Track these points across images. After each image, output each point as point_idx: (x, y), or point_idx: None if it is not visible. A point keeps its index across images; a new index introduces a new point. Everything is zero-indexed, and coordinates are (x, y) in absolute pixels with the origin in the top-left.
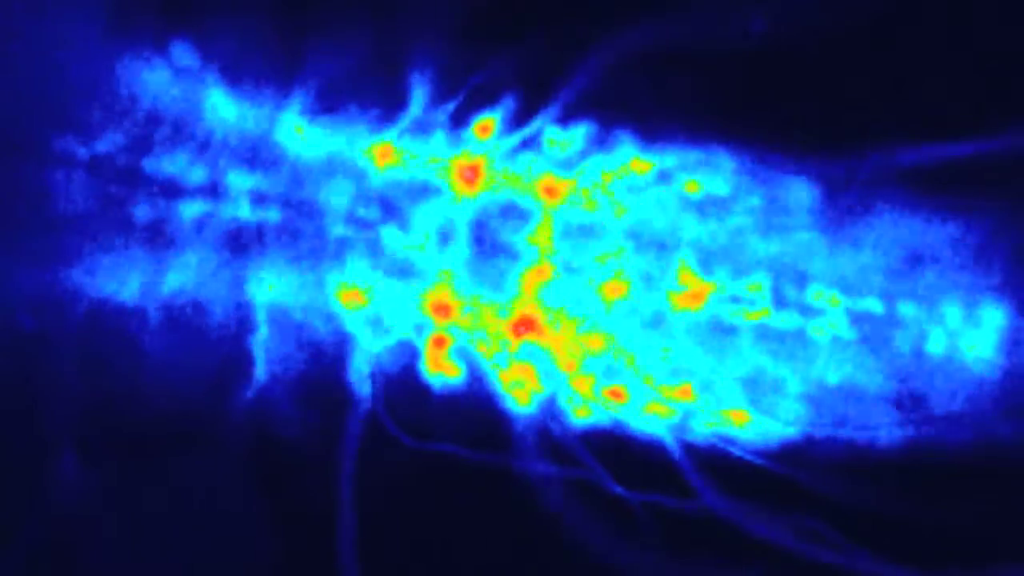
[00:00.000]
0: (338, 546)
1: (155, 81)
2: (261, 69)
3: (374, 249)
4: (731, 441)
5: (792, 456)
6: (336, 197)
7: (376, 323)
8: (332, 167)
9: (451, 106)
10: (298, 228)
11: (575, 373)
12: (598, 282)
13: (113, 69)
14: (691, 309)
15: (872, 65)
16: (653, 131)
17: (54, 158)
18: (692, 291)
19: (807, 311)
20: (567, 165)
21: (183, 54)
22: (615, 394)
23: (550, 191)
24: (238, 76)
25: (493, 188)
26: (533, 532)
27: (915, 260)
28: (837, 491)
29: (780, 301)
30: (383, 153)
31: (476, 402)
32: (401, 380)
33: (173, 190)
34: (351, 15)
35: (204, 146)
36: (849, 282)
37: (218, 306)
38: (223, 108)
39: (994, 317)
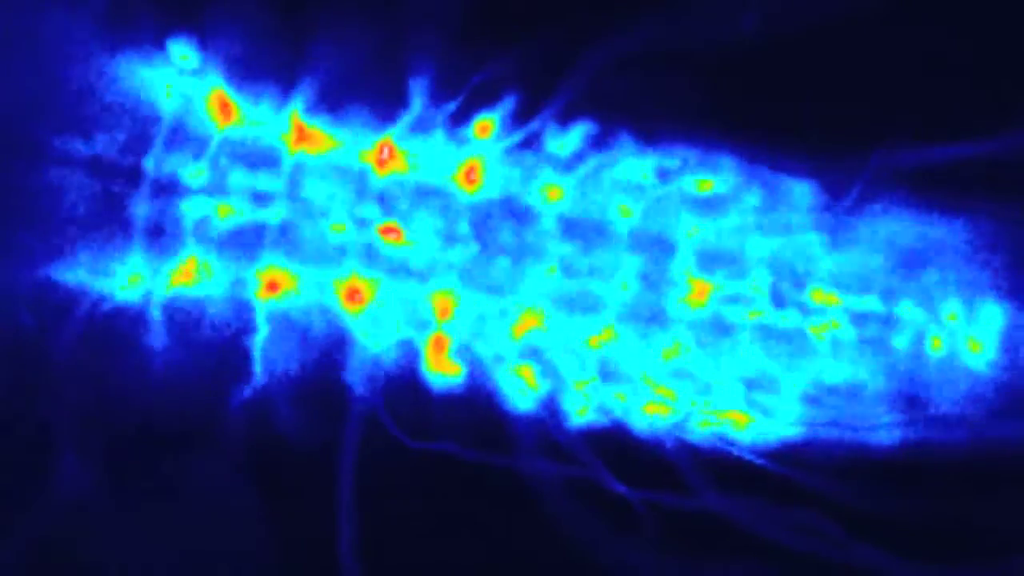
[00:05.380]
0: (338, 545)
1: (155, 80)
2: (262, 68)
3: (374, 248)
4: (731, 441)
5: (792, 456)
6: (336, 196)
7: (376, 323)
8: (333, 166)
9: (451, 106)
10: (298, 227)
11: (576, 373)
12: (598, 282)
13: (113, 68)
14: (691, 309)
15: (872, 65)
16: (653, 131)
17: (54, 158)
18: (692, 291)
19: (807, 311)
20: (567, 165)
21: (184, 53)
22: (615, 394)
23: (551, 191)
24: (239, 75)
25: (494, 188)
26: (534, 531)
27: (915, 260)
28: (836, 490)
29: (780, 301)
30: (384, 152)
31: (477, 402)
32: (401, 380)
33: (173, 189)
34: (352, 15)
35: (204, 145)
36: (849, 282)
37: (218, 306)
38: (224, 107)
39: (994, 317)
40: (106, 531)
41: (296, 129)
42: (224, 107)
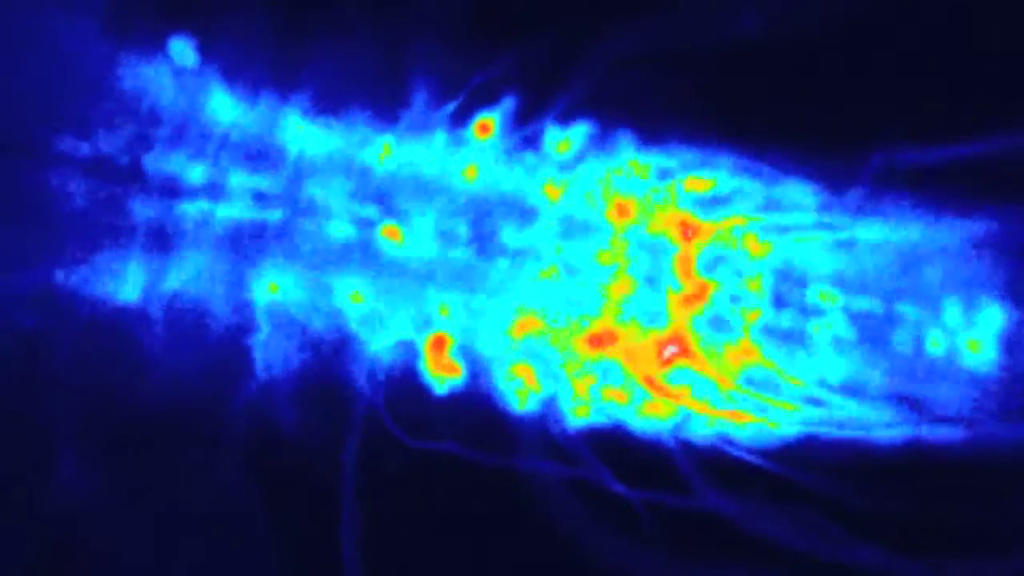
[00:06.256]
0: (340, 544)
1: (155, 80)
2: (262, 69)
3: (374, 248)
4: (731, 441)
5: (792, 456)
6: (336, 196)
7: (376, 323)
8: (333, 166)
9: (451, 106)
10: (298, 228)
11: (575, 373)
12: (598, 282)
13: (114, 69)
14: (691, 309)
15: (872, 65)
16: (653, 131)
17: (54, 158)
18: (692, 291)
19: (807, 311)
20: (567, 165)
21: (184, 53)
22: (615, 394)
23: (551, 191)
24: (239, 75)
25: (494, 188)
26: (534, 531)
27: (915, 260)
28: (836, 490)
29: (780, 301)
30: (384, 152)
31: (476, 402)
32: (401, 380)
33: (173, 190)
34: (352, 16)
35: (204, 145)
36: (849, 282)
37: (218, 305)
38: (224, 107)
39: (994, 317)
40: (106, 531)
41: (296, 129)
42: (225, 106)
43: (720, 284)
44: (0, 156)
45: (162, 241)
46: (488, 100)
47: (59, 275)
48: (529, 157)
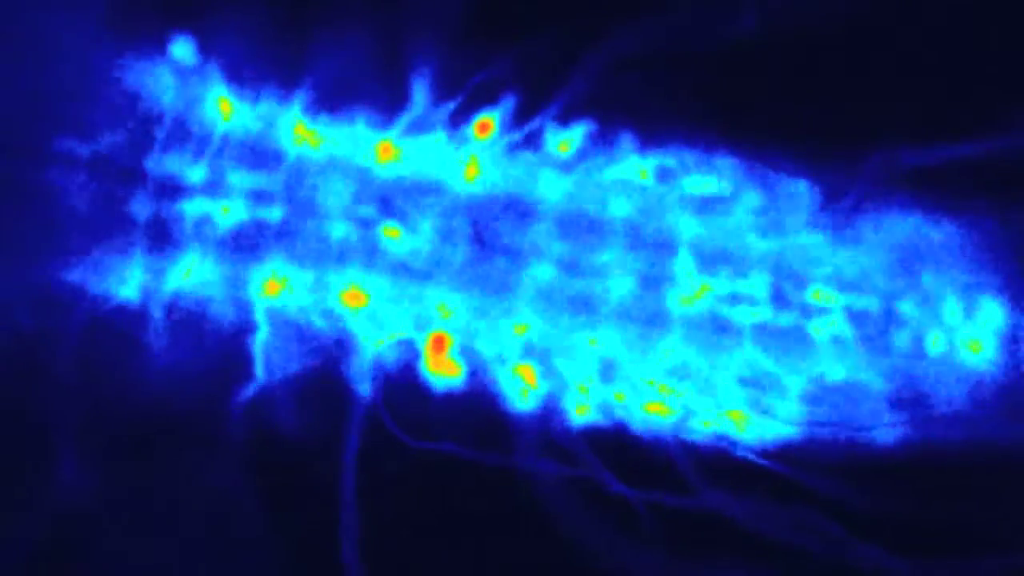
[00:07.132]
0: (340, 544)
1: (156, 79)
2: (262, 68)
3: (374, 248)
4: (731, 441)
5: (792, 455)
6: (337, 196)
7: (376, 322)
8: (333, 166)
9: (452, 105)
10: (299, 227)
11: (576, 373)
12: (598, 281)
13: (114, 68)
14: (691, 309)
15: (872, 65)
16: (653, 131)
17: (55, 158)
18: (692, 291)
19: (807, 310)
20: (567, 164)
21: (184, 53)
22: (615, 394)
23: (551, 190)
24: (239, 75)
25: (494, 187)
26: (534, 531)
27: (915, 260)
28: (836, 490)
29: (780, 301)
30: (384, 152)
31: (477, 401)
32: (401, 379)
33: (174, 189)
34: (352, 15)
35: (205, 145)
36: (849, 282)
37: (219, 305)
38: (224, 107)
39: (993, 317)
40: (106, 531)
41: (296, 129)
42: (225, 106)
43: (719, 284)
44: (0, 156)
45: (162, 240)
46: (488, 100)
47: (59, 275)
48: (529, 156)
